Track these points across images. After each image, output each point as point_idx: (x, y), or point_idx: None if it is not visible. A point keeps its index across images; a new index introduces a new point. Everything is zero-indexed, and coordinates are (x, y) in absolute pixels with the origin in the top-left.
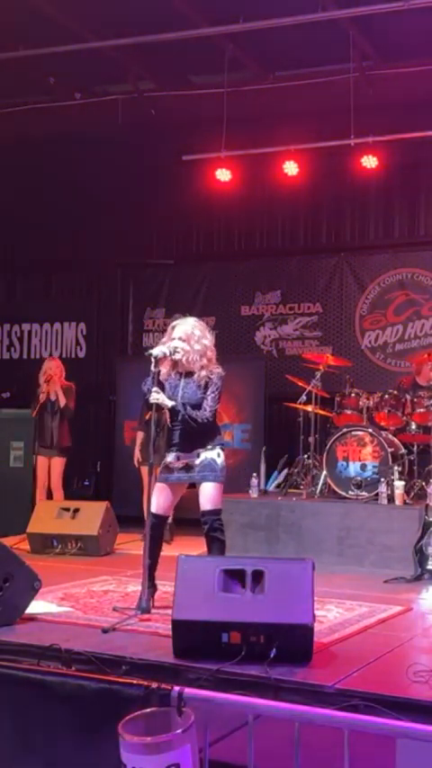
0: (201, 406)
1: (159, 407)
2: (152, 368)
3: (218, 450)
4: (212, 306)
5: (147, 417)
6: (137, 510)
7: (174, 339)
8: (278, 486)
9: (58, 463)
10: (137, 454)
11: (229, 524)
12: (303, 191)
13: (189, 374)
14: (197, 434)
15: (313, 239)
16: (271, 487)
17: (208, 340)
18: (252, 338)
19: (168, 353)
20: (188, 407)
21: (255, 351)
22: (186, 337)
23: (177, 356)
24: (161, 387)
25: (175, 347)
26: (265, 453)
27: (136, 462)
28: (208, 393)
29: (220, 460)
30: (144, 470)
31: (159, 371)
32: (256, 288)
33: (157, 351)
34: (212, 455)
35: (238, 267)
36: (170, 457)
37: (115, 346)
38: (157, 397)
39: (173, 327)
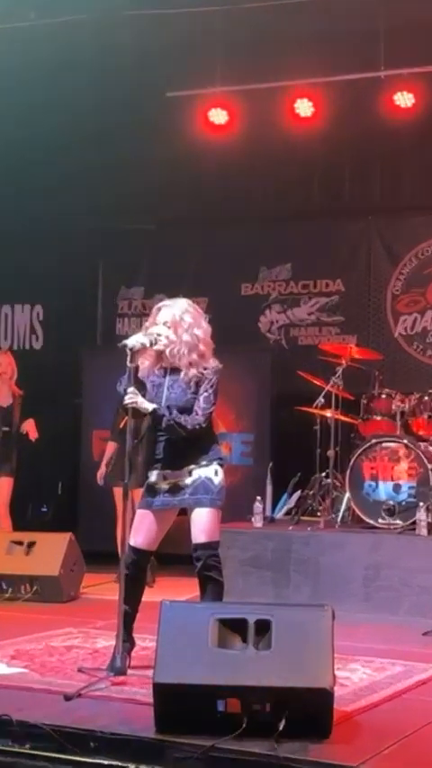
0: (191, 410)
1: (138, 412)
2: (128, 362)
3: (214, 466)
4: (204, 283)
5: (122, 425)
6: (109, 544)
7: (157, 324)
8: (289, 512)
9: (5, 484)
10: (102, 470)
11: (227, 561)
12: (320, 137)
13: (176, 370)
14: (187, 446)
15: (333, 199)
16: (280, 514)
17: (202, 330)
18: (255, 324)
19: (148, 344)
20: (175, 411)
21: (259, 341)
22: (173, 323)
23: (159, 346)
24: (141, 386)
25: (158, 335)
26: (273, 471)
27: (100, 480)
28: (200, 392)
29: (217, 480)
30: (118, 493)
31: (137, 367)
32: (261, 260)
33: (133, 340)
34: (208, 473)
35: (236, 234)
36: (153, 476)
37: (81, 335)
38: (133, 398)
39: (158, 309)
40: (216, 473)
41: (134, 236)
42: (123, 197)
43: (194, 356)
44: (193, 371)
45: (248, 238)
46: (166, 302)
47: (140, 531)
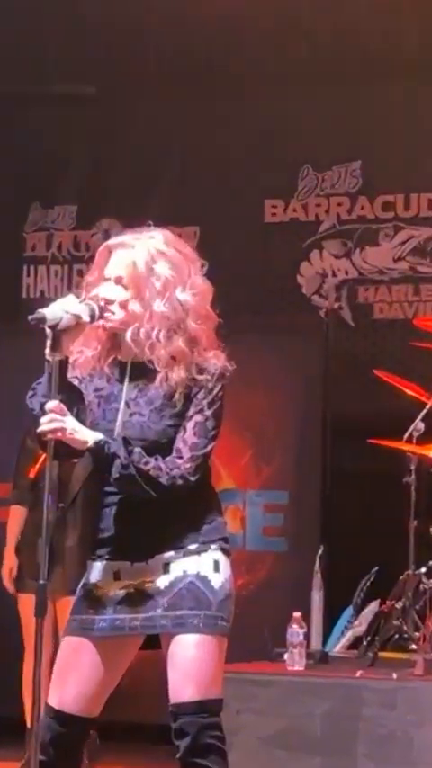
0: (169, 447)
1: (65, 449)
2: (47, 353)
3: (213, 554)
4: (193, 199)
5: (34, 474)
6: (13, 702)
7: (106, 281)
8: (356, 643)
9: None
10: (7, 566)
11: (238, 737)
12: None
13: (143, 369)
14: (162, 517)
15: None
16: (339, 647)
17: (195, 294)
18: (292, 280)
19: (86, 317)
20: (138, 449)
21: (300, 310)
22: (135, 279)
23: (110, 323)
24: (74, 398)
25: (105, 300)
26: (325, 563)
27: (6, 581)
28: (190, 414)
29: (218, 581)
30: (26, 603)
31: (65, 361)
32: (299, 154)
33: (56, 311)
34: (201, 567)
35: (253, 105)
36: (96, 572)
37: None
38: (58, 422)
39: (108, 251)
40: (217, 567)
41: (60, 110)
42: (44, 46)
43: (179, 343)
44: (176, 374)
45: (276, 110)
46: (124, 238)
47: (68, 679)
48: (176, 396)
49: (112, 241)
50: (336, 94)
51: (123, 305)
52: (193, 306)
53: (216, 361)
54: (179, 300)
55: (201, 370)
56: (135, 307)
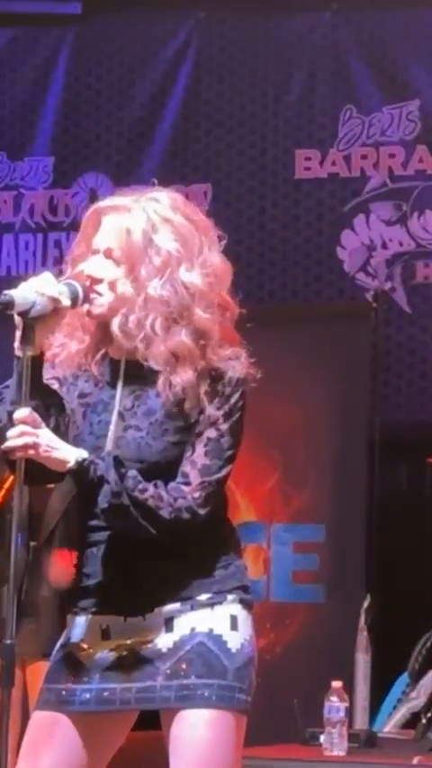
0: (173, 470)
1: (38, 472)
2: (16, 348)
3: (230, 607)
4: (201, 151)
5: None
6: None
7: (93, 254)
8: (413, 721)
9: None
10: None
11: None
12: None
13: (140, 369)
14: (162, 557)
15: None
16: (389, 726)
17: (207, 273)
18: (332, 253)
19: (66, 300)
20: (133, 472)
21: (342, 292)
22: (127, 253)
23: (95, 309)
24: (52, 405)
25: (90, 279)
26: (372, 616)
27: None
28: (201, 427)
29: (236, 641)
30: None
31: (41, 356)
32: (341, 96)
33: (27, 293)
34: (213, 623)
35: (279, 23)
36: (78, 629)
37: None
38: (30, 436)
39: (97, 215)
40: (234, 624)
41: (26, 28)
42: None
43: (182, 337)
44: (181, 377)
45: (309, 30)
46: (118, 200)
47: (38, 765)
48: (184, 405)
49: (103, 203)
50: (383, 13)
51: (113, 285)
52: (203, 290)
53: (234, 362)
54: (183, 282)
55: (214, 373)
56: (125, 288)
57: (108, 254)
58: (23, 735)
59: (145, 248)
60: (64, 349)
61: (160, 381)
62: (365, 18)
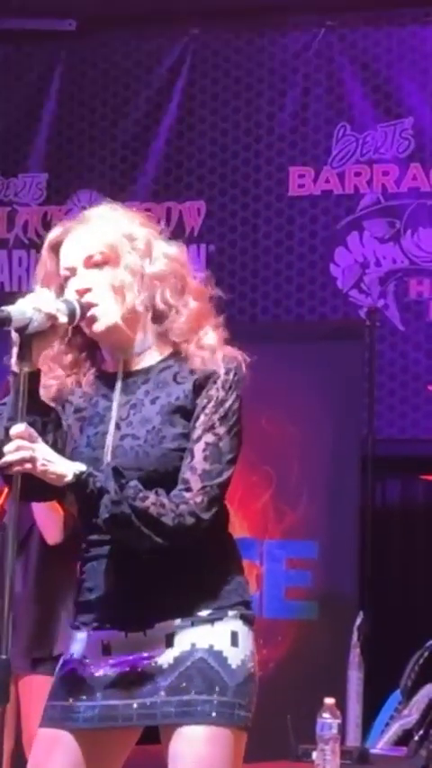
0: (172, 476)
1: (36, 486)
2: (13, 364)
3: (231, 623)
4: (195, 168)
5: None
6: None
7: (71, 280)
8: (406, 738)
9: None
10: None
11: None
12: None
13: (134, 380)
14: (164, 570)
15: None
16: (382, 744)
17: (171, 260)
18: (324, 269)
19: (64, 316)
20: (134, 482)
21: (333, 308)
22: (108, 248)
23: (99, 326)
24: (49, 423)
25: (79, 293)
26: (364, 633)
27: None
28: (198, 432)
29: (237, 657)
30: None
31: (37, 374)
32: (335, 113)
33: (24, 308)
34: (214, 639)
35: (274, 40)
36: (79, 644)
37: None
38: (27, 451)
39: (55, 249)
40: (234, 640)
41: (20, 46)
42: None
43: (194, 303)
44: (206, 340)
45: (303, 47)
46: (61, 227)
47: None
48: (191, 402)
49: (52, 234)
50: (377, 31)
51: (111, 287)
52: (183, 259)
53: (228, 365)
54: (168, 254)
55: (209, 377)
56: (124, 276)
57: (88, 263)
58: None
59: (122, 238)
60: (53, 375)
61: (192, 345)
62: (359, 36)
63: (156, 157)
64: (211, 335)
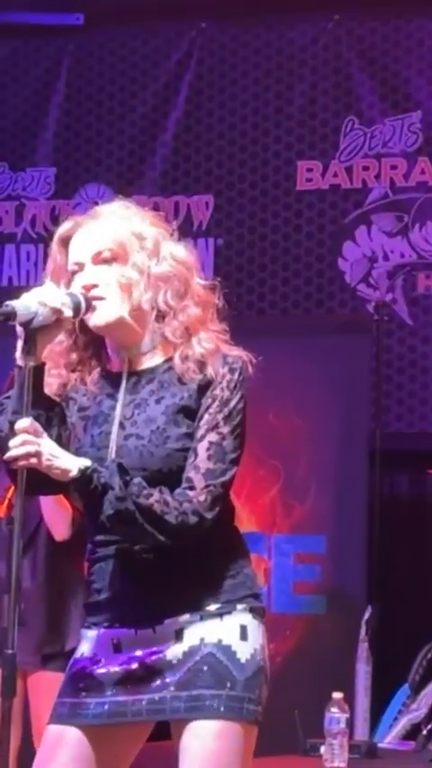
0: (176, 475)
1: (41, 481)
2: (18, 358)
3: (239, 616)
4: (204, 162)
5: (3, 514)
6: None
7: (78, 275)
8: (414, 732)
9: None
10: None
11: None
12: None
13: (138, 379)
14: (170, 567)
15: None
16: (390, 738)
17: (188, 248)
18: (332, 263)
19: (69, 310)
20: (138, 479)
21: (341, 302)
22: (117, 245)
23: (100, 320)
24: (53, 417)
25: (85, 288)
26: (373, 627)
27: None
28: (201, 431)
29: (245, 650)
30: None
31: (41, 367)
32: (344, 107)
33: (29, 302)
34: (223, 634)
35: (281, 35)
36: (90, 643)
37: None
38: (32, 445)
39: (65, 243)
40: (244, 634)
41: (28, 40)
42: None
43: (194, 309)
44: (201, 345)
45: (311, 41)
46: (72, 220)
47: None
48: (189, 396)
49: (63, 228)
50: (385, 25)
51: (118, 284)
52: (191, 262)
53: (233, 365)
54: (175, 256)
55: (213, 377)
56: (131, 274)
57: (96, 259)
58: (23, 745)
59: (132, 236)
60: (61, 376)
61: (177, 354)
62: (367, 30)
63: (164, 151)
64: (203, 344)
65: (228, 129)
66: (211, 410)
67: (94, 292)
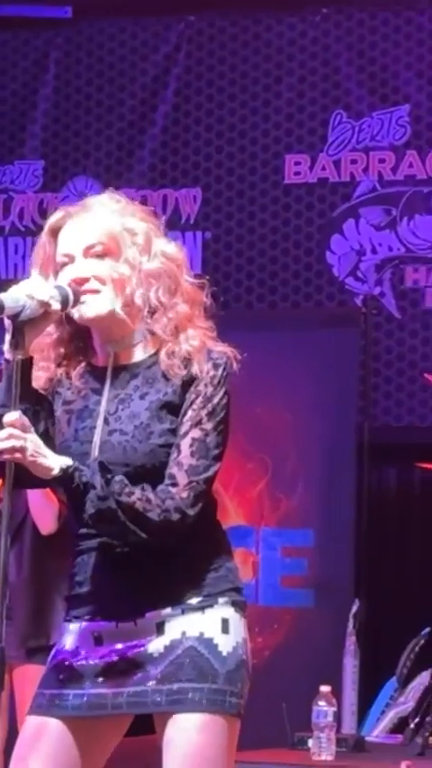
0: (158, 471)
1: (26, 476)
2: (5, 351)
3: (222, 610)
4: (191, 155)
5: None
6: None
7: (68, 266)
8: (402, 725)
9: None
10: None
11: None
12: None
13: (123, 374)
14: (152, 562)
15: None
16: (378, 731)
17: (175, 245)
18: (320, 256)
19: (57, 303)
20: (119, 477)
21: (329, 295)
22: (110, 239)
23: (90, 312)
24: (40, 412)
25: (74, 281)
26: (360, 620)
27: None
28: (185, 428)
29: (227, 643)
30: None
31: (29, 361)
32: (332, 100)
33: (18, 295)
34: (205, 627)
35: (270, 28)
36: (72, 636)
37: None
38: (17, 440)
39: (54, 234)
40: (225, 627)
41: (15, 32)
42: None
43: (183, 306)
44: (189, 342)
45: (299, 36)
46: (62, 210)
47: (28, 767)
48: (173, 392)
49: (51, 219)
50: (373, 18)
51: (109, 278)
52: (181, 259)
53: (216, 360)
54: (165, 253)
55: (189, 350)
56: (123, 269)
57: (88, 252)
58: (10, 737)
59: (123, 231)
60: (48, 370)
61: (164, 350)
62: (355, 23)
63: (152, 144)
64: (190, 341)
65: (216, 122)
66: (194, 406)
67: (86, 286)
